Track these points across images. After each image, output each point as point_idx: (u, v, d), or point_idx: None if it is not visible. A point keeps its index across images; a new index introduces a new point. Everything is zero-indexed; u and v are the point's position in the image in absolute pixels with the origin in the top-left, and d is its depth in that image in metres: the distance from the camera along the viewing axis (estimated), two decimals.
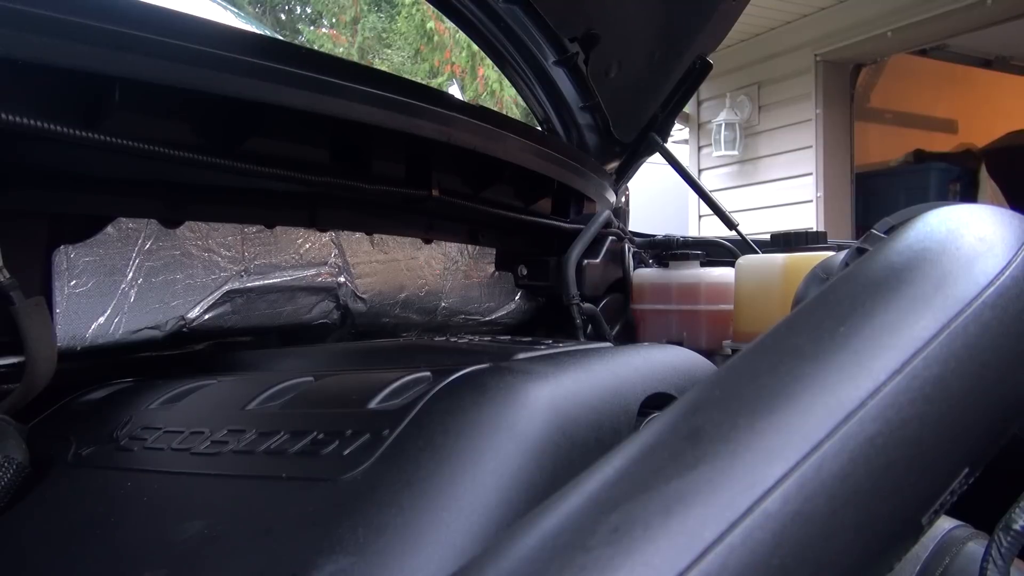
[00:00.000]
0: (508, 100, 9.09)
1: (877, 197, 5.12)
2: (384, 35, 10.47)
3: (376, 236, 1.12)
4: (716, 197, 1.71)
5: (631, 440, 0.32)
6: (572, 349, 0.61)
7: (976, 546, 0.45)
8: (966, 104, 5.94)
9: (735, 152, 5.39)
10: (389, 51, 10.43)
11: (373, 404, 0.51)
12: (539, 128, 1.55)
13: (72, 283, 0.77)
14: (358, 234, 1.09)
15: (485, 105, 1.25)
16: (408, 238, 1.17)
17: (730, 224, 1.59)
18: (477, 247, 1.31)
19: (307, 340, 1.05)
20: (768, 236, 1.36)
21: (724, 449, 0.29)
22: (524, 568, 0.26)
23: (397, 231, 1.15)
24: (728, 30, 1.57)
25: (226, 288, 0.90)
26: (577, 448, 0.45)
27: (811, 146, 4.99)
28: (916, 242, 0.39)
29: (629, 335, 1.49)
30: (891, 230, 0.60)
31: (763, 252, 1.39)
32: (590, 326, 1.37)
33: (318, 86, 0.78)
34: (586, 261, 1.38)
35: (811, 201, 4.98)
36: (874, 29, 4.58)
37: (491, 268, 1.34)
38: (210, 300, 0.89)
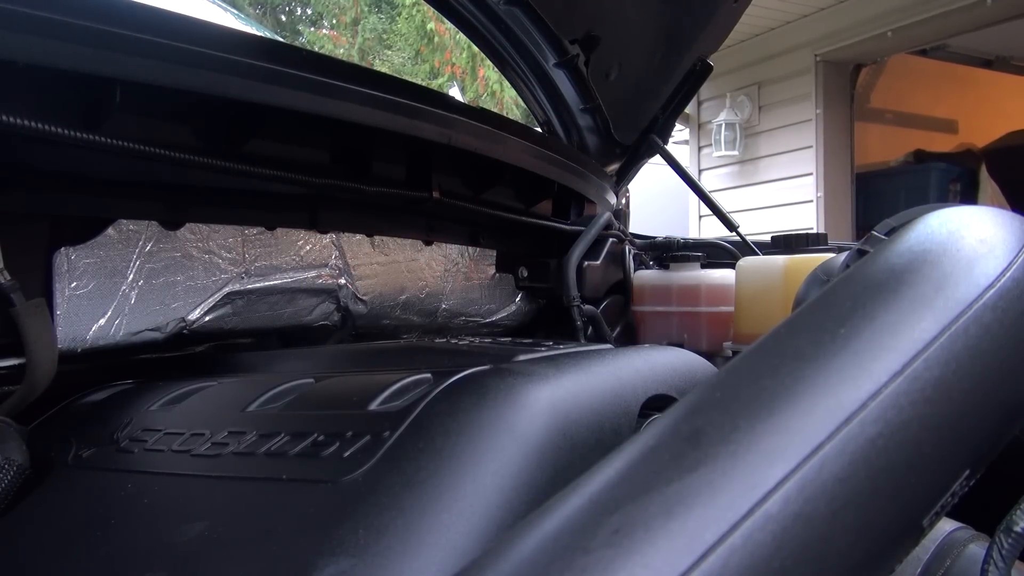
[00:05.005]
0: (508, 101, 9.09)
1: (877, 197, 5.12)
2: (384, 36, 10.49)
3: (377, 238, 1.12)
4: (716, 198, 1.71)
5: (632, 442, 0.32)
6: (573, 351, 0.61)
7: (977, 548, 0.46)
8: (966, 104, 5.94)
9: (735, 152, 5.39)
10: (389, 52, 10.45)
11: (374, 406, 0.51)
12: (540, 130, 1.55)
13: (73, 285, 0.77)
14: (359, 236, 1.09)
15: (485, 106, 1.25)
16: (409, 240, 1.17)
17: (730, 225, 1.59)
18: (478, 249, 1.31)
19: (308, 342, 1.05)
20: (768, 237, 1.36)
21: (725, 451, 0.29)
22: (524, 570, 0.26)
23: (398, 233, 1.15)
24: (729, 32, 1.57)
25: (227, 290, 0.90)
26: (578, 450, 0.45)
27: (811, 146, 4.99)
28: (917, 244, 0.39)
29: (630, 337, 1.49)
30: (892, 232, 0.60)
31: (764, 254, 1.38)
32: (591, 328, 1.37)
33: (319, 88, 0.78)
34: (587, 263, 1.38)
35: (811, 201, 4.99)
36: (874, 29, 4.58)
37: (492, 270, 1.34)
38: (211, 302, 0.89)
